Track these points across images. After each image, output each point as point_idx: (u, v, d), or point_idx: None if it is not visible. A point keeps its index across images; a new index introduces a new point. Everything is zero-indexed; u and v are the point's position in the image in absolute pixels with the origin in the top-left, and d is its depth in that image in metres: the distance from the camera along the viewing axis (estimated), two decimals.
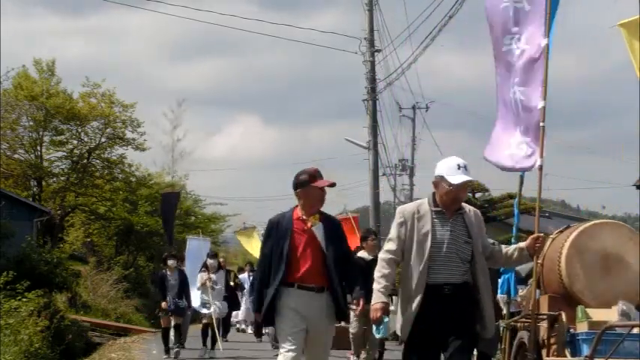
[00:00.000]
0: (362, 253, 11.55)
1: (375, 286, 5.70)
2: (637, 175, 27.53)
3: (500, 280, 8.25)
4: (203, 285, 14.41)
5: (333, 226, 6.53)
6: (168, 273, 14.10)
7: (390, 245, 5.76)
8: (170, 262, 14.18)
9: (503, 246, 5.94)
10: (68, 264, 24.47)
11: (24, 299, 15.08)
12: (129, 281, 28.73)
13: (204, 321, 14.63)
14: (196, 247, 18.04)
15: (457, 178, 5.59)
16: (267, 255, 6.50)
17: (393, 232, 5.75)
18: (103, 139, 31.19)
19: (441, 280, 5.58)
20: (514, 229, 8.01)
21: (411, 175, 39.40)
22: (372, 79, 25.16)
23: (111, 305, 25.23)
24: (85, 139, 31.10)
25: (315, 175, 6.48)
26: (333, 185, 6.57)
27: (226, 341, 17.18)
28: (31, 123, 30.07)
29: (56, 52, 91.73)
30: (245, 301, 21.14)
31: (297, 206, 6.53)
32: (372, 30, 25.02)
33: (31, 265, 20.97)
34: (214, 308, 14.40)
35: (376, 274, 5.73)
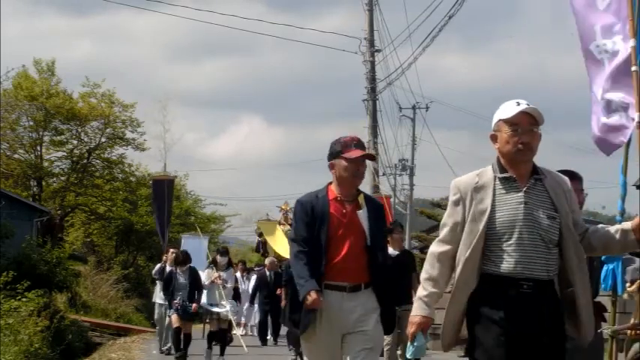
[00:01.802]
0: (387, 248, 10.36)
1: (419, 291, 4.22)
2: (637, 175, 27.62)
3: (603, 272, 6.45)
4: (212, 283, 13.17)
5: (377, 211, 5.34)
6: (178, 271, 12.63)
7: (443, 234, 4.21)
8: (182, 266, 12.72)
9: (601, 226, 4.31)
10: (68, 264, 24.47)
11: (24, 299, 15.06)
12: (129, 281, 28.76)
13: (211, 328, 13.34)
14: (192, 245, 16.92)
15: (518, 109, 4.09)
16: (307, 239, 5.20)
17: (446, 214, 4.23)
18: (103, 139, 31.23)
19: (517, 272, 4.00)
20: (619, 202, 6.32)
21: (411, 175, 39.43)
22: (372, 79, 25.18)
23: (111, 305, 25.26)
24: (85, 139, 31.17)
25: (349, 143, 5.26)
26: (370, 158, 5.43)
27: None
28: (31, 123, 30.10)
29: (60, 52, 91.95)
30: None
31: (330, 184, 5.35)
32: (372, 30, 25.07)
33: (31, 265, 20.96)
34: (227, 309, 13.16)
35: (423, 275, 4.23)
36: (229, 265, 13.90)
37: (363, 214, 5.21)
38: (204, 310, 13.39)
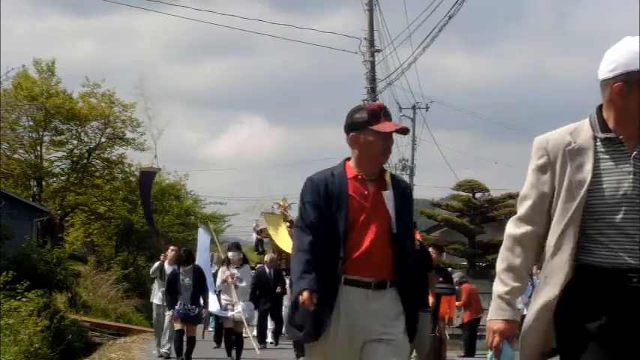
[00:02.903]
0: None
1: (497, 288, 3.22)
2: None
3: None
4: (225, 282, 12.22)
5: (404, 194, 4.37)
6: (182, 271, 11.71)
7: (524, 208, 3.22)
8: (185, 266, 11.74)
9: None
10: (68, 264, 24.48)
11: (24, 299, 15.07)
12: (129, 281, 28.77)
13: (226, 326, 12.50)
14: (203, 239, 15.42)
15: None
16: (315, 226, 4.20)
17: (527, 185, 3.23)
18: (102, 139, 31.24)
19: (620, 261, 3.04)
20: None
21: (411, 175, 39.47)
22: (372, 79, 25.19)
23: (111, 305, 25.26)
24: (85, 139, 31.17)
25: (378, 113, 4.27)
26: (404, 132, 4.44)
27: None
28: (31, 123, 30.12)
29: (63, 53, 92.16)
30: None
31: (347, 160, 4.38)
32: (372, 30, 25.08)
33: (31, 265, 20.96)
34: (240, 309, 12.14)
35: (500, 264, 3.25)
36: (244, 261, 12.74)
37: (389, 196, 4.24)
38: (219, 317, 12.46)
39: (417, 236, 9.47)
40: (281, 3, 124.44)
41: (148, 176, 20.15)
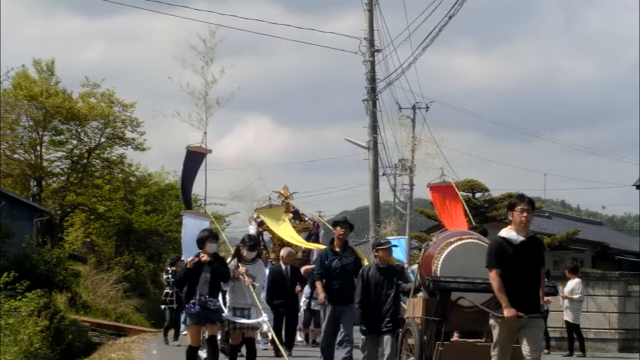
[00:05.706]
0: (508, 232, 7.66)
1: None
2: (637, 175, 27.62)
3: None
4: (236, 279, 10.14)
5: None
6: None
7: None
8: (210, 245, 9.78)
9: None
10: (68, 264, 24.49)
11: (24, 299, 15.08)
12: (129, 281, 28.77)
13: (233, 342, 10.33)
14: (193, 225, 12.73)
15: None
16: None
17: None
18: (102, 139, 31.22)
19: None
20: None
21: (411, 175, 39.38)
22: (372, 79, 25.16)
23: (111, 305, 25.26)
24: (85, 139, 31.16)
25: None
26: None
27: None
28: (31, 123, 30.12)
29: (71, 54, 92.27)
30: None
31: None
32: (372, 30, 25.05)
33: (31, 265, 21.00)
34: (258, 319, 10.28)
35: None
36: (258, 256, 10.65)
37: None
38: (225, 320, 10.22)
39: None
40: (283, 3, 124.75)
41: (195, 158, 15.73)
